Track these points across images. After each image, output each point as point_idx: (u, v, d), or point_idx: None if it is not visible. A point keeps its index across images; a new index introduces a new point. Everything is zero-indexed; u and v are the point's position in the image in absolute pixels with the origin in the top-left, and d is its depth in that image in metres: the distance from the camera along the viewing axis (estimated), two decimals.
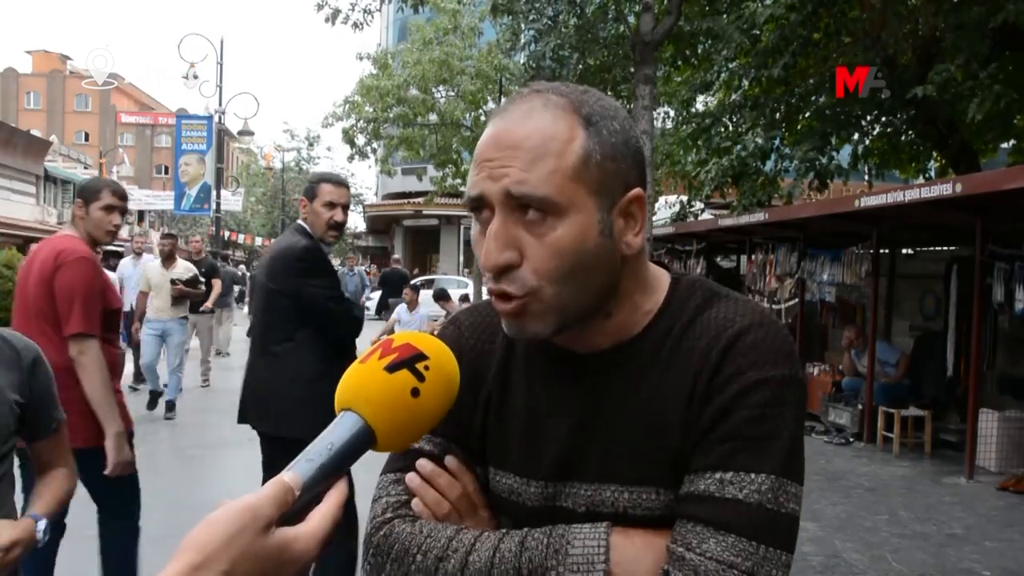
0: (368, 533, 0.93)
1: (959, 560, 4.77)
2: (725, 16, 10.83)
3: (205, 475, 6.17)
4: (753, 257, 10.55)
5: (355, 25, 11.80)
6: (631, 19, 10.89)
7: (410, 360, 0.77)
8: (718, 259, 12.86)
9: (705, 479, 0.83)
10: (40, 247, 3.08)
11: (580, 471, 0.91)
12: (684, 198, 13.12)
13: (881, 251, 8.71)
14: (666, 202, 13.85)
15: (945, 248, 8.71)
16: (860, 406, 8.33)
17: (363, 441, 0.74)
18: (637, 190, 0.88)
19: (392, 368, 0.77)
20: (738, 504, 0.80)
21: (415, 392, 0.76)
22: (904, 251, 9.71)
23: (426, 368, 0.78)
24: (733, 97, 11.92)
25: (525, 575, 0.83)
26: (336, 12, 11.70)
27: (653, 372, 0.89)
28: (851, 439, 8.30)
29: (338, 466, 0.72)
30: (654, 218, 11.40)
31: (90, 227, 3.03)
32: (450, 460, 0.96)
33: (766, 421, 0.83)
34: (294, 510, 0.68)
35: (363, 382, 0.76)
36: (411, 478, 0.94)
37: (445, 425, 0.93)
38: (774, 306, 9.64)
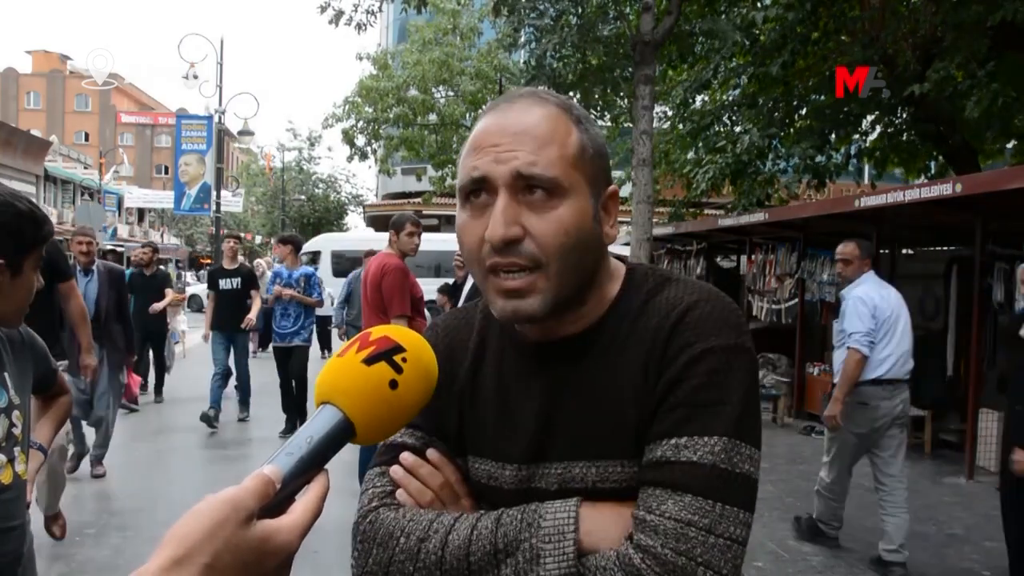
0: (355, 523, 0.97)
1: (959, 560, 4.76)
2: (724, 16, 10.82)
3: (205, 475, 6.17)
4: (753, 257, 10.53)
5: (358, 26, 11.79)
6: (631, 19, 10.87)
7: (388, 352, 0.78)
8: (718, 259, 12.83)
9: (661, 446, 0.87)
10: (371, 261, 5.02)
11: (551, 452, 0.95)
12: (680, 198, 13.11)
13: (881, 251, 8.69)
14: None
15: (945, 248, 8.69)
16: None
17: (342, 434, 0.74)
18: (614, 187, 0.98)
19: (370, 361, 0.77)
20: (693, 466, 0.84)
21: (393, 384, 0.77)
22: (904, 251, 9.70)
23: (404, 360, 0.78)
24: (731, 95, 11.91)
25: (501, 548, 0.86)
26: (339, 13, 11.69)
27: (611, 354, 0.94)
28: None
29: (318, 459, 0.72)
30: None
31: (402, 247, 4.93)
32: (431, 453, 1.00)
33: (714, 388, 0.87)
34: (275, 502, 0.68)
35: (341, 375, 0.76)
36: (395, 470, 0.98)
37: (426, 420, 1.00)
38: (774, 306, 9.62)
